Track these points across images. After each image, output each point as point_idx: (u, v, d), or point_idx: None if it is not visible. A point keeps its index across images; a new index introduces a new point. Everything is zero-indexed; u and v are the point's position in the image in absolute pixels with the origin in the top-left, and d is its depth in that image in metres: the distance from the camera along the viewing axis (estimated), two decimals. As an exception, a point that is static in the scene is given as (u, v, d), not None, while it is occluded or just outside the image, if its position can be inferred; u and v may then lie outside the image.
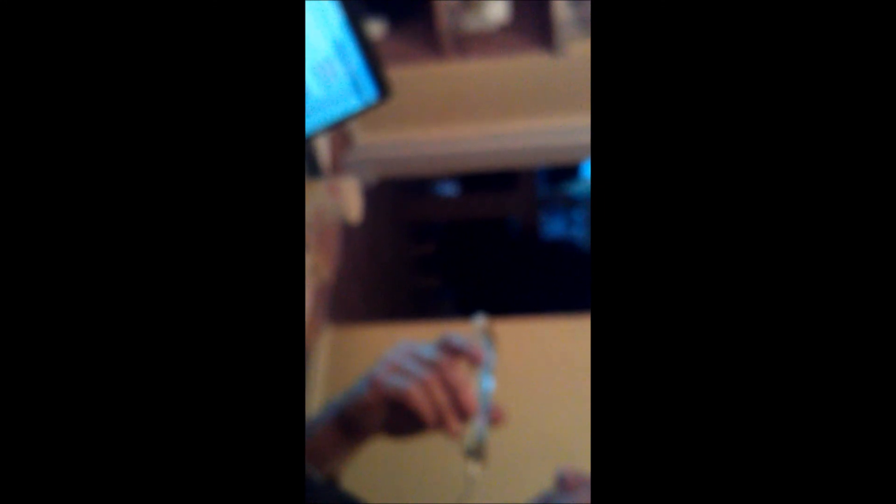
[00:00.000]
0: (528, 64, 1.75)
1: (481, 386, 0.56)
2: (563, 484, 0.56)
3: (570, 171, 3.68)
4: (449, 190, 3.75)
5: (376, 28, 1.66)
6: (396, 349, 0.57)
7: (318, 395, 1.65)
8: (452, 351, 0.55)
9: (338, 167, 1.77)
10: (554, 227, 3.93)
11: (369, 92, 0.66)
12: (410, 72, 1.73)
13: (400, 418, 0.55)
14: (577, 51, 1.68)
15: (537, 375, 1.66)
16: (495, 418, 0.56)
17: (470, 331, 0.59)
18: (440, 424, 0.53)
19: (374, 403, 0.55)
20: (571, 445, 1.38)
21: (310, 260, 1.15)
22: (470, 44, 1.68)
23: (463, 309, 3.54)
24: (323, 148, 1.22)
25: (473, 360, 0.56)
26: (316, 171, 1.12)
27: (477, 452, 0.54)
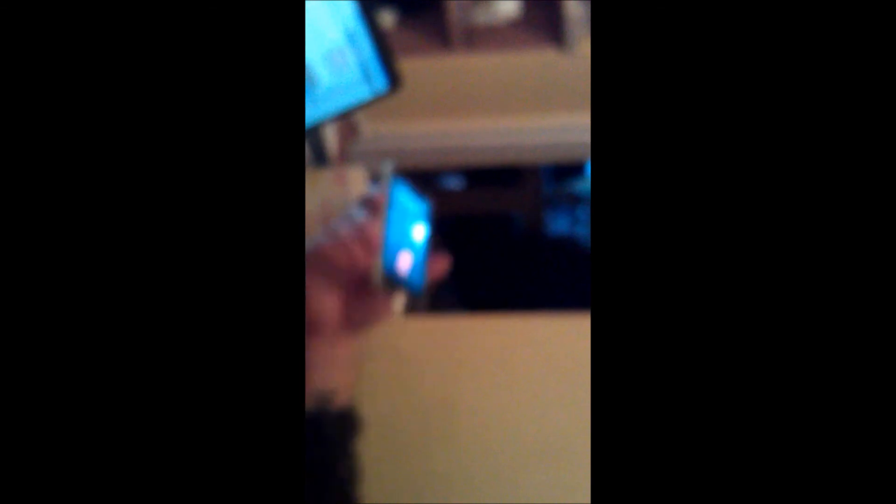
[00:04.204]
0: (536, 60, 1.74)
1: (405, 229, 0.60)
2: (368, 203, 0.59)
3: (575, 169, 3.67)
4: (453, 183, 3.75)
5: (387, 19, 1.66)
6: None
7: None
8: (368, 204, 0.59)
9: (344, 157, 1.77)
10: (558, 224, 3.92)
11: (380, 82, 0.66)
12: (419, 64, 1.73)
13: (349, 300, 0.57)
14: (587, 48, 1.68)
15: (539, 372, 1.66)
16: (435, 268, 0.60)
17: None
18: (348, 261, 0.56)
19: (310, 273, 0.57)
20: (571, 443, 1.38)
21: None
22: (479, 38, 1.68)
23: (465, 302, 3.54)
24: (330, 137, 1.22)
25: (374, 205, 0.58)
26: (323, 160, 1.11)
27: (392, 286, 0.57)
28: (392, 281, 0.57)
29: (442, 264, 0.60)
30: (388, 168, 0.62)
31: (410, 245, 0.60)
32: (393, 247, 0.58)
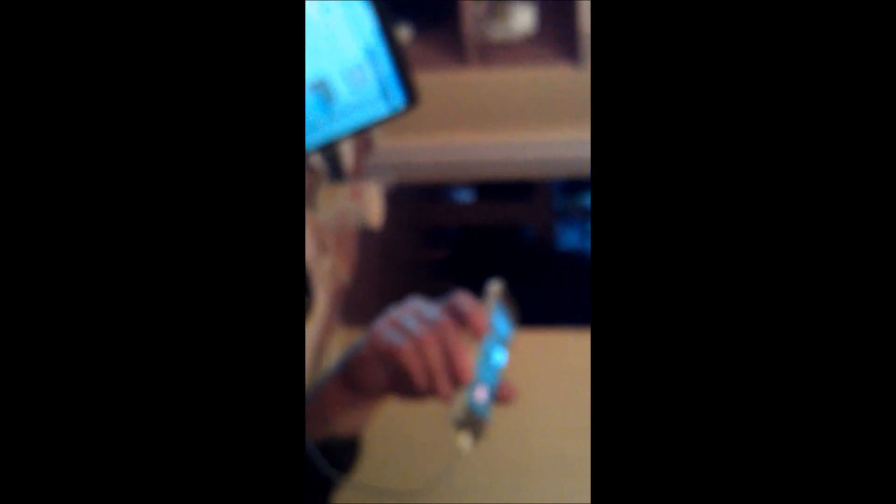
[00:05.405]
0: (550, 75, 1.75)
1: (488, 357, 0.52)
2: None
3: (586, 184, 3.68)
4: (465, 197, 3.75)
5: (402, 34, 1.67)
6: (402, 305, 0.54)
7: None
8: (458, 315, 0.51)
9: (360, 171, 1.78)
10: (569, 237, 3.92)
11: (397, 99, 0.67)
12: (433, 78, 1.74)
13: (402, 377, 0.51)
14: (601, 64, 1.68)
15: (547, 387, 1.65)
16: (504, 395, 0.52)
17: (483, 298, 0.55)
18: (430, 386, 0.49)
19: (372, 358, 0.52)
20: (581, 457, 1.37)
21: (329, 262, 1.15)
22: (494, 53, 1.69)
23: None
24: (346, 152, 1.24)
25: (475, 329, 0.51)
26: (339, 174, 1.13)
27: (468, 424, 0.50)
28: (472, 418, 0.50)
29: (511, 394, 0.53)
30: (496, 289, 0.56)
31: (492, 375, 0.52)
32: (479, 381, 0.51)
